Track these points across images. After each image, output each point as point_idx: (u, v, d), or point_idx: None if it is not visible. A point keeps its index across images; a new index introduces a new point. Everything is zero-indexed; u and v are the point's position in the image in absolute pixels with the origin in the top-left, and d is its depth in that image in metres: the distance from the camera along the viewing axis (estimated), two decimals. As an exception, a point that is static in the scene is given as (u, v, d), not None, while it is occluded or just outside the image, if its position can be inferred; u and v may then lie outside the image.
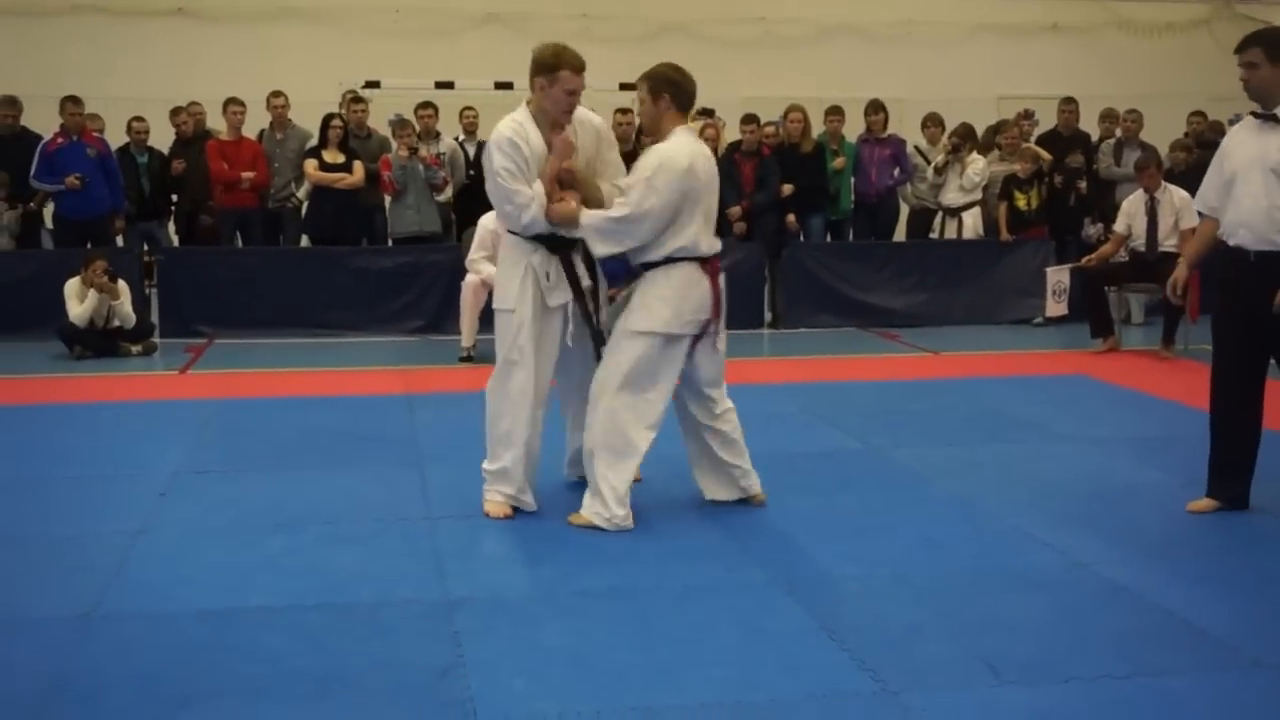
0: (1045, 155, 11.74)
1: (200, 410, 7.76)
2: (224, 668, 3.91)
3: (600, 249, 5.27)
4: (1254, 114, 5.39)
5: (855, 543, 5.16)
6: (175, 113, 12.09)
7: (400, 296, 10.84)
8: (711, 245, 5.35)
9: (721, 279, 5.41)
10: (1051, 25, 17.09)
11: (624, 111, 11.48)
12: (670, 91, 5.33)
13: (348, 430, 7.19)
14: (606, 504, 5.24)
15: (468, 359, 9.51)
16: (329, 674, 3.86)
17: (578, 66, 5.32)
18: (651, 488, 5.76)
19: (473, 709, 3.61)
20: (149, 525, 5.38)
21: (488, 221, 9.45)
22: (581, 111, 5.46)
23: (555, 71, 5.28)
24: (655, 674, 3.87)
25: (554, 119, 5.32)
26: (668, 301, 5.24)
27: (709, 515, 5.37)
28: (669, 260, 5.24)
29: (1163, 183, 10.12)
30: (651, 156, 5.26)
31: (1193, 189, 10.36)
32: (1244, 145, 5.34)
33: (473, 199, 10.13)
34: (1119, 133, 12.32)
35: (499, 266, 5.55)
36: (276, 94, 11.59)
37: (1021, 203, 11.57)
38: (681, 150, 5.24)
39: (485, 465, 5.54)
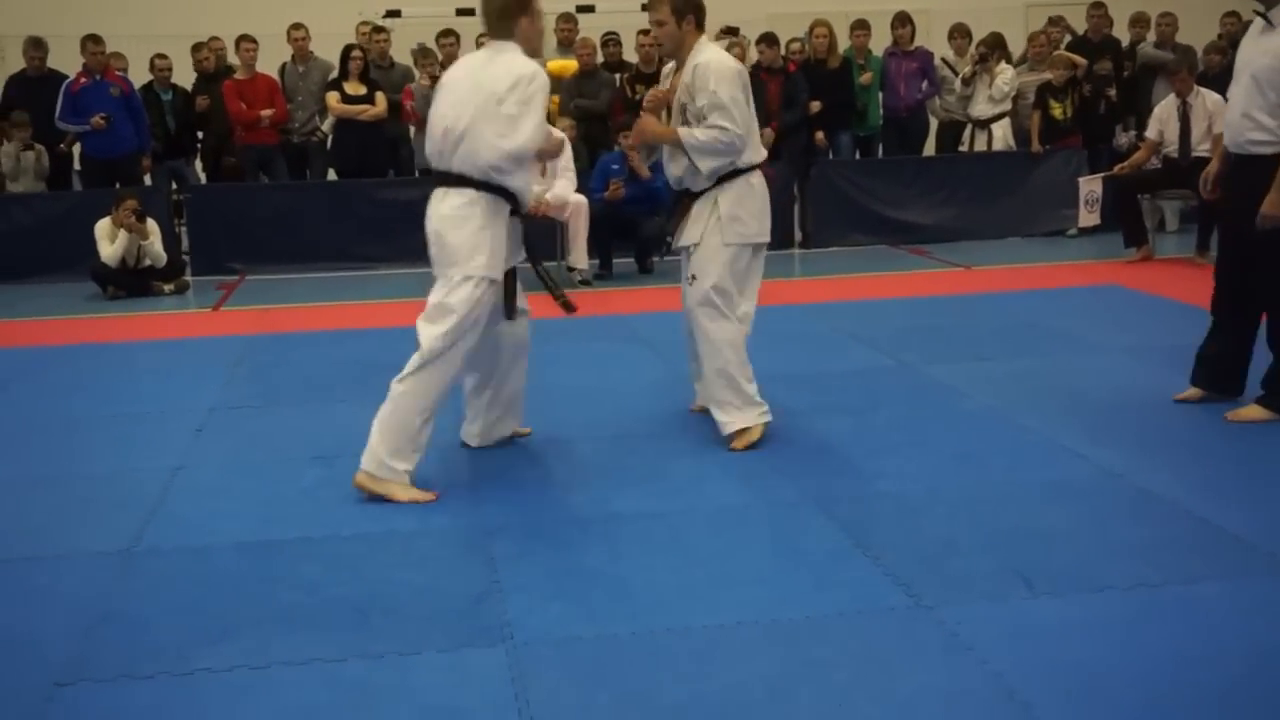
0: (1080, 61, 11.54)
1: (233, 346, 7.81)
2: (263, 598, 3.97)
3: (709, 165, 5.27)
4: (1256, 13, 5.39)
5: (888, 459, 5.17)
6: (196, 49, 12.04)
7: (428, 227, 10.81)
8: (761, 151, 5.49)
9: None
10: (1081, -71, 16.73)
11: (646, 33, 11.38)
12: (694, 11, 5.31)
13: (380, 361, 7.13)
14: (756, 404, 5.34)
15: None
16: (367, 601, 3.91)
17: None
18: (678, 407, 5.78)
19: (510, 633, 3.65)
20: (186, 461, 5.44)
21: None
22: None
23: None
24: (689, 594, 3.89)
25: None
26: (756, 213, 5.36)
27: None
28: (748, 169, 5.32)
29: (1195, 87, 9.96)
30: (708, 73, 5.20)
31: (1226, 92, 10.26)
32: (1244, 49, 5.42)
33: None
34: (1151, 36, 12.10)
35: (466, 229, 5.21)
36: (297, 26, 11.51)
37: (1057, 111, 11.40)
38: (724, 57, 5.31)
39: (391, 463, 4.86)
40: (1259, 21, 5.33)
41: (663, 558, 4.21)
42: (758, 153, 5.39)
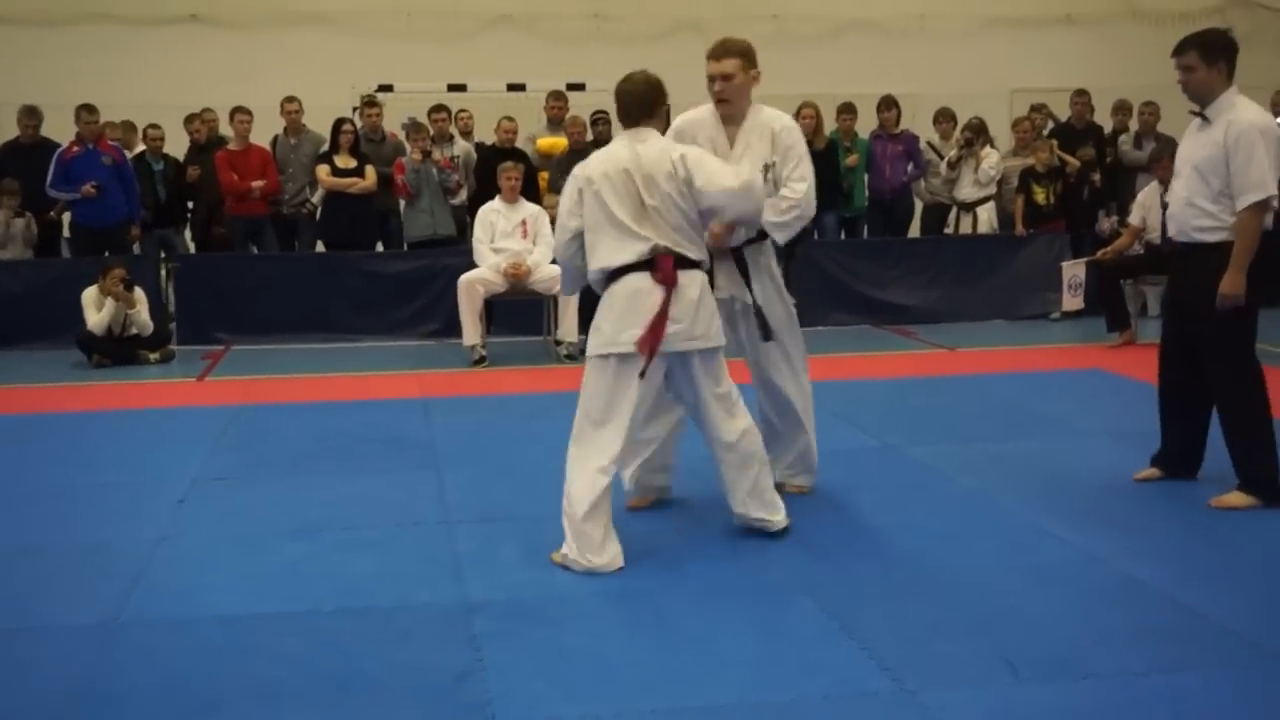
0: (1072, 163, 11.64)
1: (218, 416, 7.80)
2: (245, 672, 3.94)
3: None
4: (1192, 113, 5.63)
5: (873, 541, 5.17)
6: (189, 119, 12.16)
7: (415, 300, 10.86)
8: None
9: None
10: (1065, 17, 17.01)
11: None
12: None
13: (364, 435, 7.22)
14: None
15: (480, 361, 9.53)
16: (348, 677, 3.88)
17: (713, 53, 5.45)
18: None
19: (492, 713, 3.63)
20: (169, 532, 5.41)
21: (489, 205, 9.86)
22: (772, 118, 5.48)
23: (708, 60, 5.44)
24: (675, 675, 3.88)
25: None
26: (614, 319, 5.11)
27: (725, 515, 5.37)
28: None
29: (1178, 174, 10.08)
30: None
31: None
32: (1184, 146, 5.69)
33: (486, 201, 10.18)
34: (1132, 125, 12.28)
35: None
36: (290, 99, 11.62)
37: (1040, 196, 11.53)
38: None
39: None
40: (1196, 120, 5.59)
41: (647, 637, 4.20)
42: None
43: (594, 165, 4.98)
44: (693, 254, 4.92)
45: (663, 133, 5.14)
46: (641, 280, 4.85)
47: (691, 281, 4.89)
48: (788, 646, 4.11)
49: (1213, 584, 4.60)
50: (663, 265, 4.83)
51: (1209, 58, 5.44)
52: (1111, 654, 3.98)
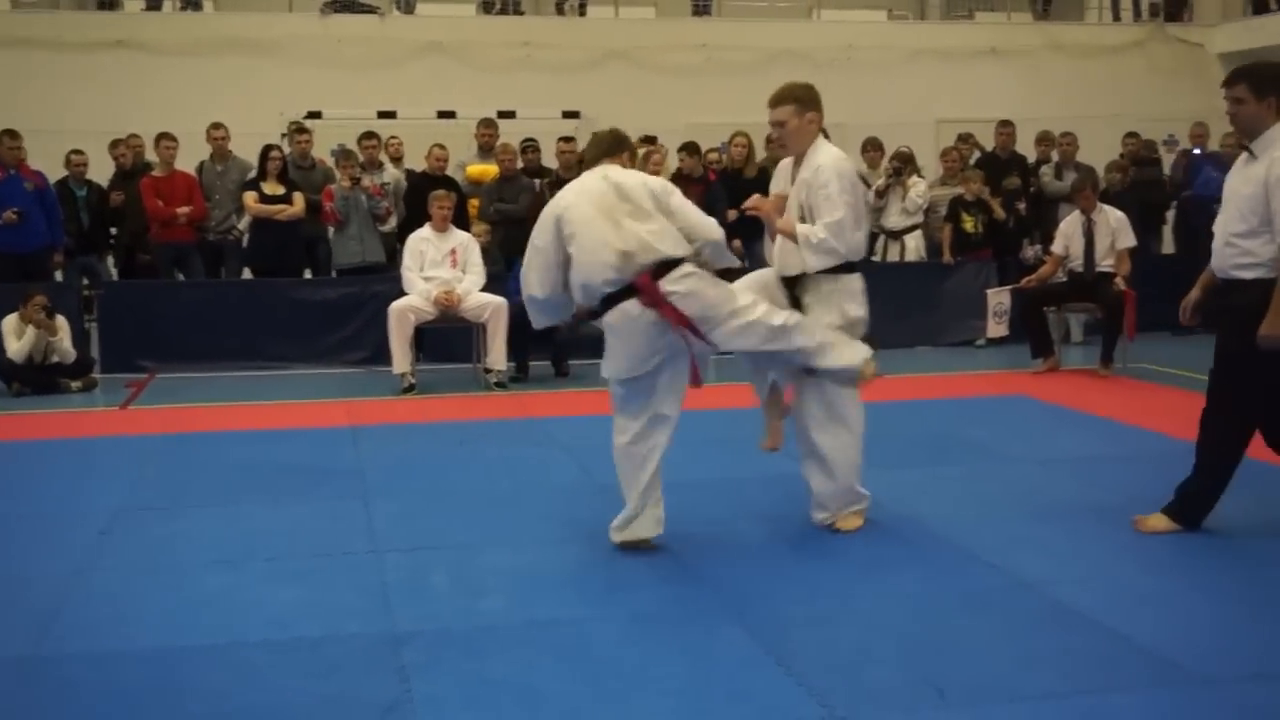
0: (998, 212, 11.75)
1: (142, 446, 7.68)
2: (167, 708, 3.87)
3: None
4: (1241, 146, 5.56)
5: (803, 567, 5.18)
6: (114, 145, 12.00)
7: (344, 328, 10.78)
8: None
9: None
10: (989, 49, 17.32)
11: (566, 140, 11.53)
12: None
13: (291, 464, 7.14)
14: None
15: (410, 389, 9.47)
16: (274, 712, 3.83)
17: (770, 101, 5.56)
18: (592, 513, 5.76)
19: (420, 744, 3.59)
20: (90, 564, 5.31)
21: (419, 233, 9.88)
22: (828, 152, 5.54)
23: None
24: (604, 705, 3.86)
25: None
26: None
27: (655, 542, 5.36)
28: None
29: (1099, 204, 10.26)
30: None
31: (1128, 209, 10.62)
32: (1230, 180, 5.55)
33: (416, 228, 10.15)
34: (1055, 155, 12.49)
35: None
36: (216, 126, 11.52)
37: (968, 225, 11.68)
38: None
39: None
40: (1244, 155, 5.50)
41: (576, 666, 4.17)
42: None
43: (566, 195, 5.32)
44: (674, 251, 5.12)
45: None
46: (631, 307, 5.11)
47: (677, 279, 5.09)
48: (717, 674, 4.10)
49: (1138, 608, 4.65)
50: (643, 287, 5.06)
51: (1260, 91, 5.32)
52: (1038, 677, 4.02)
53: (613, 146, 5.47)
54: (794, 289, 5.58)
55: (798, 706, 3.84)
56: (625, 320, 5.14)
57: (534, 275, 5.38)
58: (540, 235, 5.32)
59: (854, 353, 5.49)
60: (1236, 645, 4.28)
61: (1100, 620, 4.50)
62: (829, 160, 5.43)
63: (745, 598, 4.80)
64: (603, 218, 5.11)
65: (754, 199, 5.78)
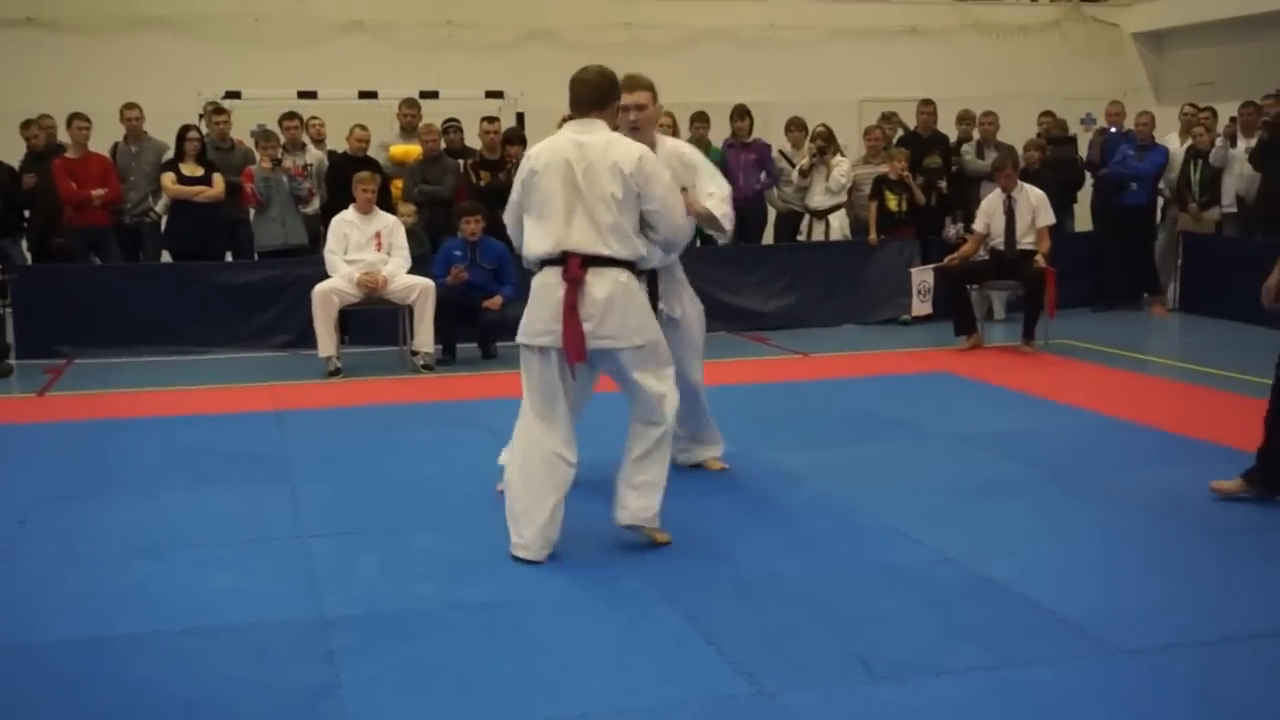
0: (918, 196, 11.82)
1: (60, 433, 7.55)
2: (91, 698, 3.82)
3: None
4: None
5: (729, 545, 5.21)
6: (25, 125, 11.73)
7: (266, 311, 10.64)
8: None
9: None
10: (910, 29, 17.42)
11: (490, 120, 11.47)
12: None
13: (215, 449, 7.05)
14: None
15: (335, 373, 9.40)
16: (201, 699, 3.79)
17: (627, 86, 5.59)
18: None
19: (349, 730, 3.57)
20: (8, 553, 5.22)
21: (343, 215, 9.77)
22: (675, 147, 6.00)
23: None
24: (534, 686, 3.86)
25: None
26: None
27: (582, 525, 5.36)
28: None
29: (1019, 182, 10.39)
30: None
31: (1047, 187, 10.77)
32: None
33: (340, 210, 10.04)
34: (976, 134, 12.62)
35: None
36: (130, 106, 11.30)
37: (893, 203, 11.76)
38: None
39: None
40: None
41: (506, 649, 4.17)
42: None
43: (538, 153, 5.12)
44: (618, 252, 4.98)
45: (612, 129, 5.24)
46: (551, 275, 5.01)
47: (600, 279, 4.96)
48: (646, 653, 4.12)
49: (1060, 580, 4.74)
50: (570, 263, 4.95)
51: None
52: (963, 651, 4.08)
53: (603, 95, 5.16)
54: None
55: (727, 683, 3.87)
56: (542, 285, 5.06)
57: (512, 225, 5.36)
58: (514, 191, 5.25)
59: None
60: (1157, 616, 4.38)
61: (1024, 593, 4.58)
62: (690, 146, 5.94)
63: (674, 577, 4.82)
64: (559, 199, 4.97)
65: None
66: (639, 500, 5.12)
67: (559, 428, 5.06)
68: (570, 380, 5.11)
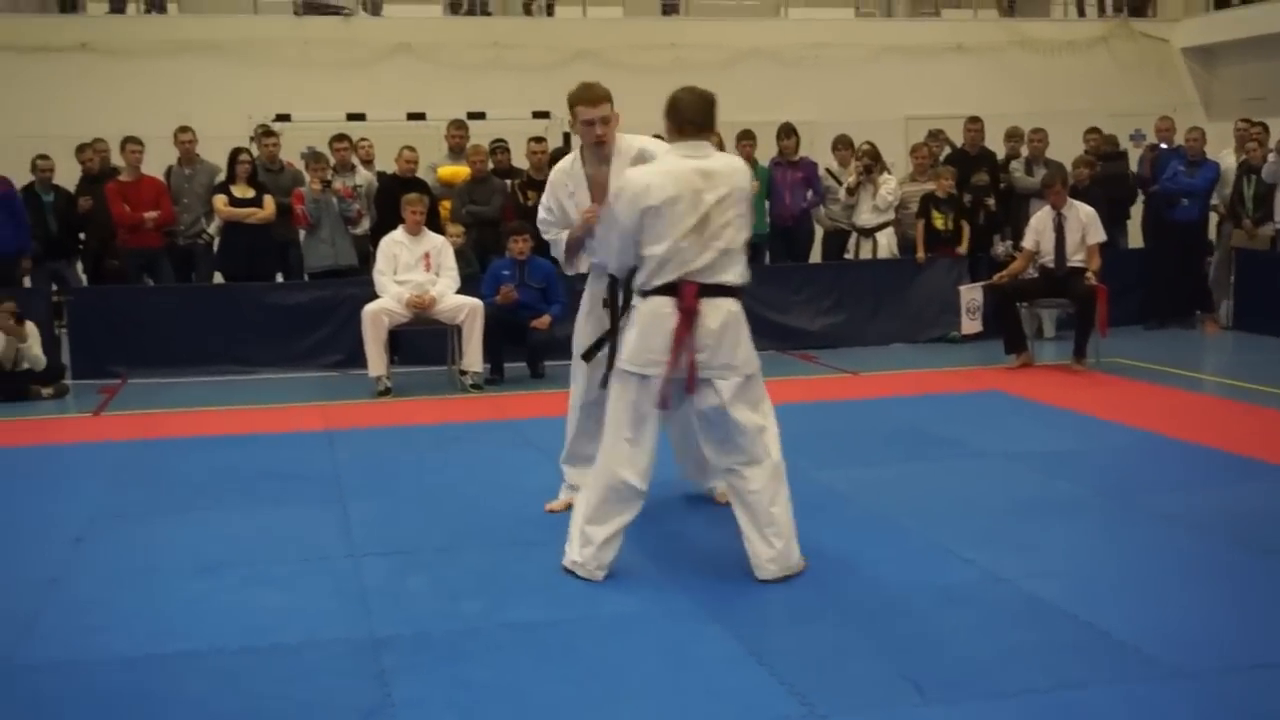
0: (963, 230, 11.77)
1: (115, 452, 7.64)
2: (146, 716, 3.86)
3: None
4: None
5: (780, 566, 5.19)
6: (80, 149, 11.92)
7: (317, 331, 10.73)
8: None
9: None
10: (956, 45, 17.36)
11: (537, 140, 11.52)
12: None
13: (267, 469, 7.11)
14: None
15: (386, 392, 9.46)
16: (254, 718, 3.82)
17: (591, 99, 5.53)
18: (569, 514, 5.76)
19: (402, 749, 3.59)
20: (65, 572, 5.28)
21: (392, 236, 9.82)
22: (633, 143, 5.68)
23: (574, 108, 5.57)
24: (584, 706, 3.86)
25: (591, 150, 5.57)
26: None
27: (633, 542, 5.36)
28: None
29: (1069, 199, 10.32)
30: None
31: (1096, 204, 10.69)
32: None
33: (389, 231, 10.12)
34: (1024, 150, 12.55)
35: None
36: (184, 129, 11.44)
37: (939, 222, 11.72)
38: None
39: None
40: None
41: (556, 668, 4.18)
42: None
43: (659, 184, 4.88)
44: (734, 280, 4.95)
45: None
46: (663, 305, 4.89)
47: (714, 310, 4.89)
48: (696, 674, 4.11)
49: (1115, 601, 4.69)
50: (685, 292, 4.86)
51: None
52: (1016, 672, 4.04)
53: (711, 115, 5.04)
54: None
55: (778, 704, 3.85)
56: (652, 314, 4.91)
57: (614, 250, 5.12)
58: (624, 216, 4.94)
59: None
60: (1213, 638, 4.32)
61: (1076, 614, 4.54)
62: (646, 138, 5.71)
63: (724, 597, 4.81)
64: (684, 228, 4.82)
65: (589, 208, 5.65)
66: (777, 548, 4.99)
67: (641, 455, 5.00)
68: (662, 410, 5.01)
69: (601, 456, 5.08)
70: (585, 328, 5.73)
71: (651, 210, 4.85)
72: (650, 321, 4.91)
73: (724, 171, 4.95)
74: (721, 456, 5.07)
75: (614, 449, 5.01)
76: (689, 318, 4.84)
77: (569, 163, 5.80)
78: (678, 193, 4.84)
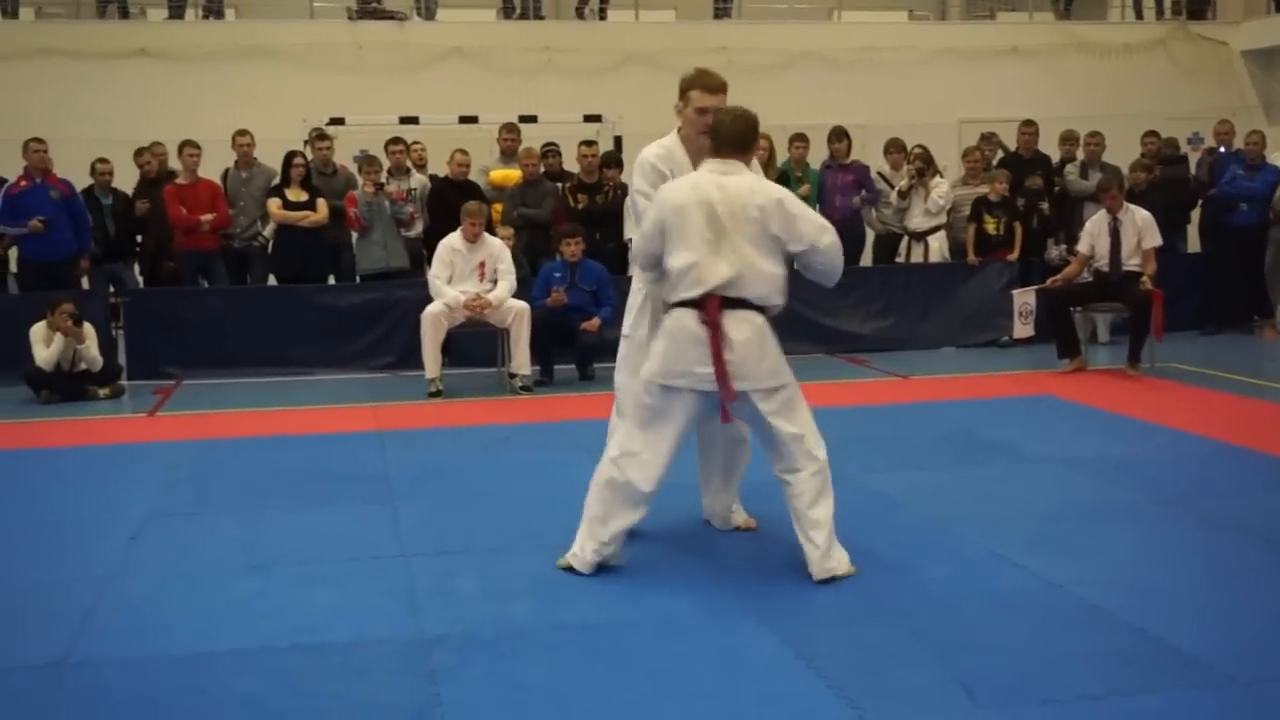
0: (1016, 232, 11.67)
1: (170, 452, 7.72)
2: (198, 713, 3.89)
3: None
4: None
5: (829, 569, 5.17)
6: (139, 153, 12.07)
7: (368, 333, 10.81)
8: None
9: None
10: (1011, 49, 17.24)
11: (588, 144, 11.54)
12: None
13: (319, 469, 7.16)
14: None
15: (437, 394, 9.51)
16: (304, 715, 3.84)
17: (710, 86, 5.33)
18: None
19: (450, 748, 3.60)
20: (120, 570, 5.34)
21: (450, 241, 9.68)
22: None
23: (687, 91, 5.36)
24: (633, 708, 3.86)
25: (694, 140, 5.33)
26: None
27: (682, 546, 5.36)
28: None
29: (1125, 203, 10.21)
30: None
31: (1153, 208, 10.57)
32: None
33: (441, 234, 10.17)
34: (1079, 154, 12.44)
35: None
36: (242, 133, 11.55)
37: (991, 226, 11.63)
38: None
39: None
40: None
41: (605, 669, 4.18)
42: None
43: (675, 195, 4.98)
44: (755, 297, 4.92)
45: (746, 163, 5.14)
46: (688, 318, 4.91)
47: (737, 322, 4.89)
48: (746, 676, 4.10)
49: (1168, 608, 4.63)
50: (709, 307, 4.88)
51: None
52: (1069, 679, 4.00)
53: (750, 142, 5.10)
54: None
55: (828, 708, 3.83)
56: (677, 327, 4.95)
57: (646, 256, 5.17)
58: (650, 224, 5.06)
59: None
60: (1271, 647, 4.26)
61: (1131, 621, 4.48)
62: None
63: (773, 599, 4.80)
64: (701, 241, 4.87)
65: None
66: (821, 548, 5.02)
67: (655, 460, 5.01)
68: (693, 421, 5.08)
69: (619, 454, 5.09)
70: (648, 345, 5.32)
71: (671, 211, 4.94)
72: (677, 334, 4.95)
73: (742, 189, 4.93)
74: (771, 462, 5.13)
75: (629, 449, 5.06)
76: (713, 330, 4.86)
77: (667, 148, 5.45)
78: (690, 200, 4.91)
